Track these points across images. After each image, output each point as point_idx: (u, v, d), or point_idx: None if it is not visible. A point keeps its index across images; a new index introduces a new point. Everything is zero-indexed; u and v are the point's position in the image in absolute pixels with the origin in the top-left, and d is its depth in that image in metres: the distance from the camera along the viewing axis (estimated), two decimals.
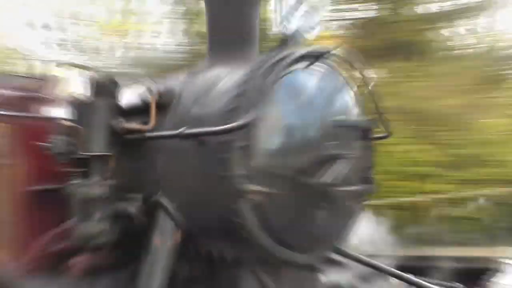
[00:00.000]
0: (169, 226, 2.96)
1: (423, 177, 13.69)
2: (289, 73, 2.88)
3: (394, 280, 3.76)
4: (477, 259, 7.29)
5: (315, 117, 2.95)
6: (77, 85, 3.82)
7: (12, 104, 3.86)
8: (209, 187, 2.75)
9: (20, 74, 5.67)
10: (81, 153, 2.98)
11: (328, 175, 2.76)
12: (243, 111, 2.59)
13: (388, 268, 3.76)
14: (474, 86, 14.50)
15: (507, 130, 13.55)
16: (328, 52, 3.03)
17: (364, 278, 3.71)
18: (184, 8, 28.94)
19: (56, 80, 4.51)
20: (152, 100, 3.05)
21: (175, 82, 3.33)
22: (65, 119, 3.29)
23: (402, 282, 3.70)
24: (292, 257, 2.93)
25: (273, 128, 2.79)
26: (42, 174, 3.51)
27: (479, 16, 15.84)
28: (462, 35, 16.44)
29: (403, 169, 14.14)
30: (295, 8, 2.97)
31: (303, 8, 3.00)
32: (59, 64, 5.91)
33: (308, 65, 2.96)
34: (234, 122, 2.53)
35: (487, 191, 11.75)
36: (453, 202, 12.75)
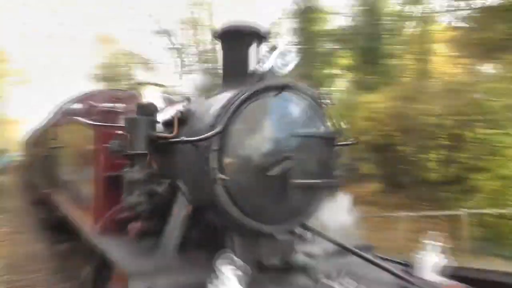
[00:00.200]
0: (183, 202, 4.58)
1: None
2: (259, 99, 4.34)
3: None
4: None
5: (273, 129, 4.36)
6: (151, 99, 6.06)
7: (98, 115, 6.35)
8: (200, 176, 4.23)
9: (114, 89, 8.15)
10: (129, 151, 4.79)
11: (278, 170, 4.14)
12: (218, 126, 4.11)
13: (349, 246, 4.81)
14: None
15: None
16: (288, 85, 4.46)
17: (328, 254, 4.65)
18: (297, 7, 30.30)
19: (136, 95, 6.75)
20: (175, 117, 4.80)
21: (196, 103, 5.08)
22: (120, 128, 5.38)
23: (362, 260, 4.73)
24: (257, 227, 4.33)
25: (239, 137, 4.23)
26: (110, 165, 5.64)
27: None
28: None
29: None
30: (270, 52, 4.35)
31: (277, 51, 4.33)
32: (140, 83, 7.62)
33: (276, 94, 4.39)
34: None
35: None
36: None
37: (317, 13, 32.24)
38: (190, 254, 4.40)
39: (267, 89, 4.38)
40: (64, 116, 9.80)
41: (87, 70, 52.65)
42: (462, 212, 14.08)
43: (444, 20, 27.55)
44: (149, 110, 5.02)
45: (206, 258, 3.90)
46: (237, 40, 4.91)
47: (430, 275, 4.32)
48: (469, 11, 22.89)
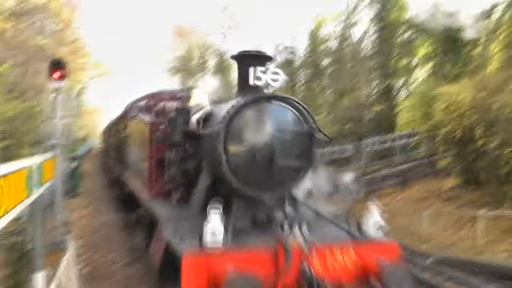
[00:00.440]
0: (205, 176, 6.88)
1: None
2: (253, 106, 6.29)
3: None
4: None
5: (265, 126, 6.28)
6: (200, 98, 8.31)
7: (153, 113, 8.89)
8: (214, 159, 6.31)
9: (174, 89, 10.65)
10: (169, 140, 7.43)
11: (264, 154, 6.13)
12: (221, 124, 6.12)
13: (329, 216, 6.91)
14: None
15: None
16: (275, 96, 6.38)
17: (302, 215, 6.69)
18: None
19: (190, 93, 8.91)
20: (201, 117, 7.14)
21: (216, 106, 7.33)
22: (163, 123, 8.04)
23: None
24: (251, 193, 6.27)
25: (240, 132, 6.21)
26: (158, 150, 8.34)
27: None
28: None
29: None
30: (264, 71, 6.14)
31: (270, 71, 6.12)
32: (191, 87, 10.13)
33: (269, 100, 6.36)
34: (212, 131, 6.20)
35: None
36: None
37: (396, 1, 31.54)
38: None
39: (260, 98, 6.35)
40: (132, 112, 12.41)
41: (165, 62, 55.32)
42: None
43: None
44: (185, 112, 7.54)
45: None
46: (245, 62, 6.79)
47: (372, 232, 6.09)
48: None
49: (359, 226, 6.32)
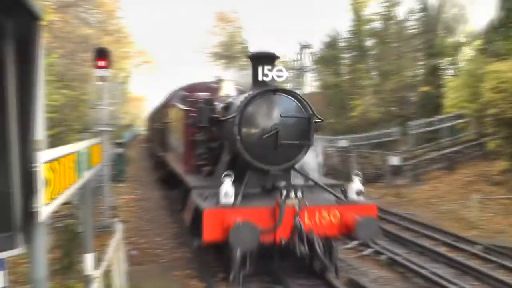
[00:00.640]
0: (226, 153, 9.05)
1: None
2: (262, 97, 8.16)
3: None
4: None
5: (272, 113, 8.09)
6: (228, 89, 11.08)
7: (188, 102, 9.78)
8: (232, 139, 8.20)
9: (208, 81, 11.71)
10: (198, 125, 9.53)
11: (270, 134, 7.93)
12: (236, 112, 8.09)
13: (322, 184, 8.61)
14: None
15: None
16: (279, 89, 8.32)
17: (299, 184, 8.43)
18: None
19: (222, 84, 9.66)
20: (223, 106, 9.20)
21: (236, 97, 9.21)
22: (192, 111, 10.23)
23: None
24: (263, 166, 8.11)
25: (253, 117, 8.12)
26: (191, 133, 10.62)
27: None
28: None
29: None
30: (270, 69, 8.37)
31: (275, 69, 8.41)
32: (220, 79, 11.85)
33: (275, 93, 8.23)
34: (230, 117, 8.23)
35: None
36: None
37: None
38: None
39: (266, 91, 8.22)
40: (171, 101, 14.30)
41: (207, 48, 55.70)
42: None
43: None
44: (210, 102, 9.77)
45: (234, 181, 7.49)
46: (256, 61, 8.62)
47: (354, 196, 8.07)
48: None
49: (345, 193, 8.23)
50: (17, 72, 2.67)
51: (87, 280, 4.92)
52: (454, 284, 8.50)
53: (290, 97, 8.31)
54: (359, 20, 36.69)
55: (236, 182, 7.59)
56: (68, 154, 3.42)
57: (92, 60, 12.95)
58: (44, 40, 2.72)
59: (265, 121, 8.07)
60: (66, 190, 3.30)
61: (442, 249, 11.24)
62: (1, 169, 2.75)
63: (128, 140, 41.99)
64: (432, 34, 30.24)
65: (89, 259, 5.16)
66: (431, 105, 29.72)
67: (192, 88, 13.47)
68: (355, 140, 31.33)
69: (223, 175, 7.35)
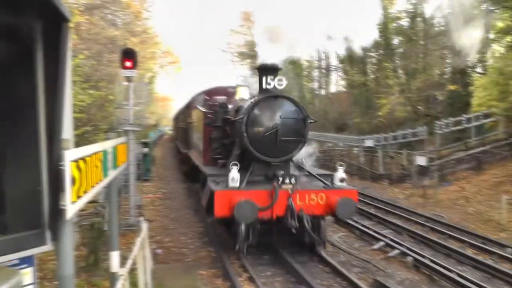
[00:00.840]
0: (237, 148, 10.89)
1: None
2: (265, 101, 9.92)
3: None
4: None
5: (273, 115, 9.82)
6: (243, 93, 12.35)
7: (207, 105, 13.85)
8: (240, 136, 10.01)
9: (226, 86, 13.04)
10: (214, 124, 11.96)
11: (271, 132, 9.66)
12: (244, 114, 9.85)
13: (314, 173, 10.35)
14: None
15: None
16: (279, 95, 9.92)
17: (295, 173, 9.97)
18: None
19: (236, 89, 12.79)
20: (234, 109, 11.34)
21: (245, 101, 10.92)
22: (209, 113, 12.67)
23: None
24: (266, 159, 9.89)
25: (257, 118, 9.85)
26: (208, 132, 12.64)
27: None
28: None
29: None
30: (272, 78, 10.16)
31: (276, 78, 10.15)
32: (237, 85, 13.05)
33: (276, 98, 9.93)
34: (239, 118, 9.99)
35: None
36: None
37: None
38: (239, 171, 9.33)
39: (269, 97, 9.90)
40: (193, 104, 16.48)
41: (233, 48, 55.92)
42: None
43: None
44: (224, 105, 11.95)
45: (243, 170, 9.33)
46: (261, 71, 10.32)
47: (339, 183, 9.76)
48: None
49: (332, 180, 9.97)
50: (45, 72, 2.73)
51: (113, 277, 4.99)
52: None
53: (289, 102, 10.06)
54: (385, 18, 36.17)
55: (244, 171, 9.50)
56: (95, 153, 3.47)
57: (119, 61, 13.16)
58: (71, 41, 2.77)
59: (268, 121, 9.81)
60: (92, 189, 3.36)
61: (470, 251, 11.04)
62: (32, 167, 2.81)
63: (154, 140, 42.45)
64: (460, 29, 29.57)
65: (115, 257, 5.22)
66: (459, 104, 29.17)
67: (212, 92, 15.33)
68: (381, 139, 31.04)
69: (231, 164, 9.33)
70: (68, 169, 2.66)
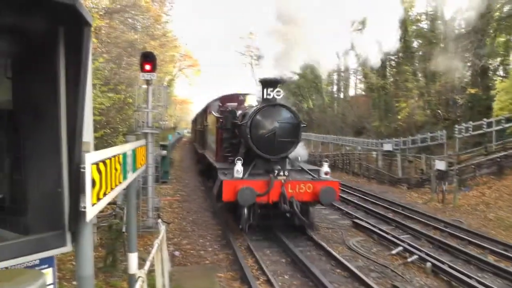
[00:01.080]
0: (243, 147, 13.39)
1: None
2: (265, 109, 12.49)
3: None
4: None
5: (273, 120, 12.35)
6: (251, 101, 16.12)
7: (220, 111, 17.11)
8: (245, 137, 12.55)
9: (237, 93, 14.86)
10: (224, 127, 14.55)
11: (270, 134, 12.26)
12: (248, 119, 12.42)
13: (308, 170, 12.75)
14: None
15: None
16: (277, 104, 12.56)
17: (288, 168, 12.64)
18: None
19: (245, 97, 17.31)
20: (241, 114, 13.82)
21: (250, 108, 13.47)
22: (221, 118, 15.33)
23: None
24: (266, 156, 12.36)
25: (259, 123, 12.37)
26: (220, 134, 15.28)
27: None
28: None
29: None
30: (272, 90, 12.59)
31: (275, 90, 12.58)
32: (245, 94, 16.88)
33: (275, 106, 12.56)
34: (244, 122, 12.63)
35: None
36: None
37: None
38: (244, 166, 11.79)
39: (269, 105, 12.39)
40: (209, 109, 19.48)
41: (250, 51, 56.24)
42: None
43: None
44: (234, 112, 14.45)
45: (246, 165, 11.99)
46: (264, 84, 12.70)
47: (324, 176, 12.06)
48: None
49: (318, 173, 12.32)
50: (66, 76, 2.77)
51: (131, 279, 5.03)
52: None
53: (285, 109, 12.54)
54: (405, 21, 35.81)
55: (248, 166, 12.08)
56: (114, 156, 3.51)
57: (138, 64, 13.25)
58: (92, 45, 2.81)
59: (268, 125, 12.29)
60: (112, 191, 3.39)
61: (491, 258, 10.86)
62: (53, 170, 2.86)
63: (173, 143, 42.73)
64: (482, 33, 29.06)
65: (133, 258, 5.27)
66: (479, 107, 28.75)
67: (225, 99, 18.56)
68: (399, 143, 30.78)
69: (236, 159, 11.84)
70: (89, 172, 2.70)
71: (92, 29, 2.53)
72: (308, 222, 12.22)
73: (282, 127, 12.17)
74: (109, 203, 7.68)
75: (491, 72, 30.26)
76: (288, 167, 12.59)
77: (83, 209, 2.75)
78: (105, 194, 3.17)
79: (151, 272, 6.28)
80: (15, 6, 2.47)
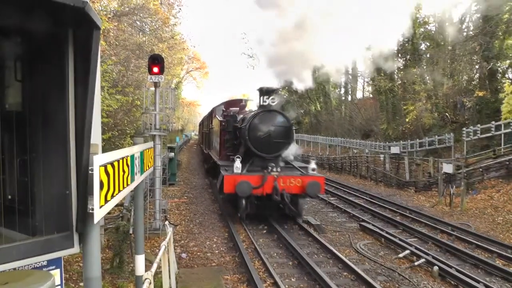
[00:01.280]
0: (243, 147, 14.92)
1: None
2: (262, 114, 14.31)
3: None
4: None
5: (268, 124, 14.15)
6: (252, 106, 19.41)
7: (223, 115, 19.54)
8: (244, 138, 14.34)
9: (240, 99, 16.54)
10: (227, 130, 16.48)
11: (266, 136, 14.09)
12: (246, 123, 14.35)
13: (298, 167, 14.61)
14: None
15: None
16: (272, 110, 14.34)
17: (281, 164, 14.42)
18: None
19: (246, 102, 20.76)
20: (241, 118, 15.92)
21: (249, 112, 16.19)
22: (224, 121, 17.41)
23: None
24: (262, 154, 14.11)
25: (256, 126, 14.15)
26: (223, 135, 17.25)
27: None
28: None
29: None
30: (268, 98, 14.51)
31: (271, 97, 14.47)
32: (247, 99, 20.10)
33: (270, 112, 14.37)
34: (244, 125, 14.73)
35: None
36: None
37: None
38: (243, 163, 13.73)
39: (265, 111, 14.20)
40: (214, 113, 21.54)
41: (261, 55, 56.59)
42: None
43: None
44: (235, 116, 16.55)
45: (245, 163, 13.94)
46: (260, 92, 14.50)
47: (311, 172, 13.85)
48: None
49: (306, 169, 14.07)
50: (75, 78, 2.79)
51: (138, 281, 5.04)
52: None
53: (279, 114, 14.29)
54: (413, 23, 35.64)
55: (247, 163, 13.94)
56: (122, 158, 3.53)
57: (146, 67, 13.27)
58: (100, 47, 2.83)
59: (264, 128, 14.04)
60: (119, 193, 3.41)
61: (499, 262, 10.78)
62: (61, 172, 2.88)
63: (180, 145, 42.81)
64: (490, 35, 28.83)
65: (140, 260, 5.28)
66: (487, 110, 28.56)
67: (228, 104, 21.56)
68: (407, 146, 30.63)
69: (235, 157, 13.69)
70: (97, 174, 2.71)
71: (101, 31, 2.54)
72: (297, 211, 13.87)
73: (276, 130, 14.02)
74: (117, 205, 7.71)
75: (499, 75, 30.03)
76: (281, 164, 14.24)
77: (91, 211, 2.77)
78: (112, 196, 3.18)
79: (158, 274, 6.30)
80: (25, 8, 2.49)
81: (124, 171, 3.58)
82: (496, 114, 26.37)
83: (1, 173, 3.01)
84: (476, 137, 24.64)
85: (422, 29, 36.03)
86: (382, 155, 31.91)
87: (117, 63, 20.50)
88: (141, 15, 26.14)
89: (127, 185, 3.76)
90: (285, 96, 50.34)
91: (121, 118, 19.68)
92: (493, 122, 24.17)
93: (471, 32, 31.91)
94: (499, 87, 28.65)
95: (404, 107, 36.73)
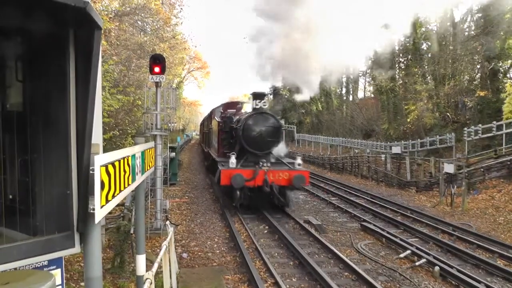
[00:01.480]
0: (238, 145, 16.70)
1: None
2: (254, 115, 16.43)
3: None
4: None
5: (260, 125, 16.25)
6: (247, 108, 19.41)
7: (221, 116, 22.06)
8: (239, 137, 16.39)
9: (237, 101, 17.93)
10: (224, 130, 18.59)
11: (258, 135, 16.19)
12: (241, 124, 16.45)
13: (286, 163, 16.62)
14: None
15: None
16: (263, 112, 16.46)
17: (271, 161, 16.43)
18: None
19: (242, 105, 20.98)
20: (236, 120, 17.94)
21: (244, 114, 17.96)
22: (221, 122, 19.68)
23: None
24: (254, 151, 16.13)
25: (249, 126, 16.25)
26: (221, 135, 19.28)
27: None
28: None
29: None
30: (259, 101, 16.56)
31: (262, 101, 16.59)
32: (243, 102, 20.93)
33: (262, 114, 16.48)
34: (239, 126, 16.76)
35: None
36: None
37: None
38: (238, 159, 15.66)
39: (257, 112, 16.29)
40: (213, 114, 23.65)
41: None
42: None
43: None
44: (231, 117, 18.55)
45: (240, 159, 15.88)
46: (254, 96, 16.63)
47: (297, 167, 15.89)
48: None
49: (293, 165, 15.84)
50: (76, 78, 2.79)
51: (139, 280, 5.05)
52: None
53: (270, 116, 16.22)
54: (414, 23, 35.57)
55: (241, 159, 15.63)
56: (123, 158, 3.53)
57: (147, 66, 13.28)
58: (101, 47, 2.83)
59: (256, 128, 15.96)
60: (120, 193, 3.41)
61: (500, 262, 10.77)
62: (62, 171, 2.88)
63: (181, 145, 42.81)
64: (492, 35, 28.77)
65: (141, 260, 5.28)
66: (488, 110, 28.53)
67: (226, 106, 23.47)
68: (408, 146, 30.58)
69: (231, 154, 15.34)
70: (98, 174, 2.71)
71: (102, 31, 2.55)
72: (285, 201, 15.93)
73: (267, 130, 16.06)
74: (118, 205, 7.71)
75: (501, 75, 29.97)
76: (272, 160, 16.17)
77: (92, 211, 2.77)
78: (113, 196, 3.18)
79: (159, 274, 6.30)
80: (26, 8, 2.50)
81: (125, 171, 3.58)
82: (497, 114, 26.34)
83: (2, 173, 3.01)
84: (477, 137, 24.62)
85: (423, 29, 35.99)
86: (383, 155, 31.87)
87: (118, 63, 20.51)
88: (142, 15, 26.13)
89: (128, 185, 3.76)
90: (286, 96, 50.24)
91: (122, 118, 19.69)
92: (494, 122, 24.15)
93: (472, 32, 31.85)
94: (500, 87, 28.61)
95: (406, 107, 36.71)
